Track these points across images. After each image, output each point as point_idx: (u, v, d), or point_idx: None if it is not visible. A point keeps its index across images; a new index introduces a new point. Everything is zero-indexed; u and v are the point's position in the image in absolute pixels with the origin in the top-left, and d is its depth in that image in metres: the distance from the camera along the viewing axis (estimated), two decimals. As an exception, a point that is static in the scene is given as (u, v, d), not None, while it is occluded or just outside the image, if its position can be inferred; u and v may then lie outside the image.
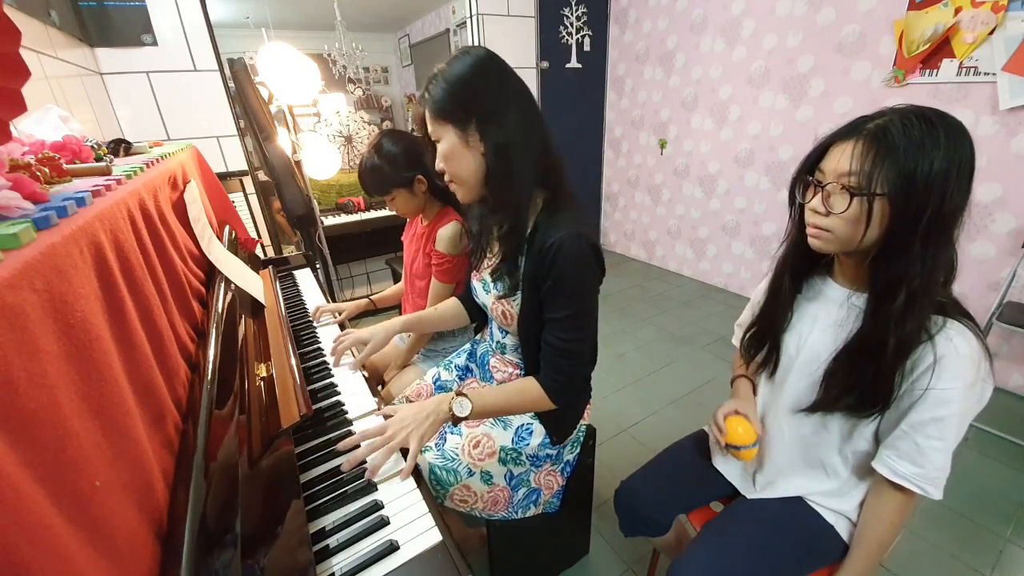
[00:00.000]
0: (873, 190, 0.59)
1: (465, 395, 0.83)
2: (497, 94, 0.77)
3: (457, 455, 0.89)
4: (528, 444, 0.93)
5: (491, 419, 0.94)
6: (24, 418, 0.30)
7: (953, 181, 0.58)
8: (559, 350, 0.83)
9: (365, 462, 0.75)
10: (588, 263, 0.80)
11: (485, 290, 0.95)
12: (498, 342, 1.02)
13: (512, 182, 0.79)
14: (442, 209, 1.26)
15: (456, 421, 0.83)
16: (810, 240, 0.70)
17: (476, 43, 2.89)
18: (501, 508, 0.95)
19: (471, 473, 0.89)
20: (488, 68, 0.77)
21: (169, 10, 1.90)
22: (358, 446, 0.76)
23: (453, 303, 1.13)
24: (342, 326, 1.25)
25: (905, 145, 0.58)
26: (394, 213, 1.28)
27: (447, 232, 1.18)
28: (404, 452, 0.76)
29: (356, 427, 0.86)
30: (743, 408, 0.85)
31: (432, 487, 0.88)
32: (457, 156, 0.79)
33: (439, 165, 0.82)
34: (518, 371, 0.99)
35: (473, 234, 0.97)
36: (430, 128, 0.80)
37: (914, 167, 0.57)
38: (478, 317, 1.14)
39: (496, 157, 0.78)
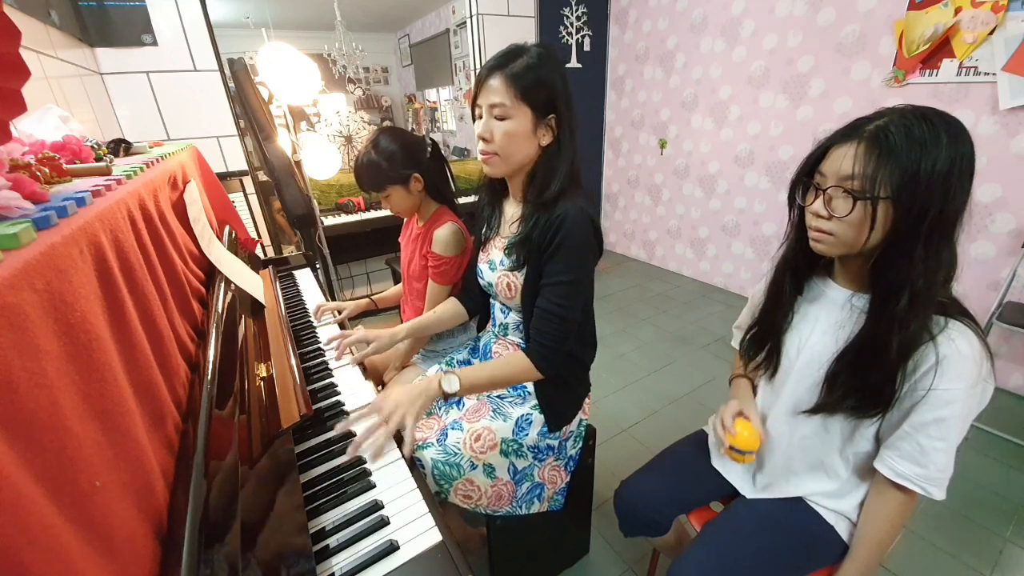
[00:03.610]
0: (876, 193, 0.59)
1: (453, 372, 0.86)
2: (570, 97, 0.84)
3: (459, 450, 0.90)
4: (528, 434, 0.94)
5: (491, 413, 0.94)
6: (24, 418, 0.30)
7: (955, 180, 0.58)
8: (550, 313, 0.86)
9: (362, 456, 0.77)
10: (588, 235, 0.85)
11: (491, 268, 0.98)
12: (500, 324, 1.04)
13: (560, 177, 0.86)
14: (438, 209, 1.25)
15: (446, 397, 0.85)
16: (812, 244, 0.69)
17: (476, 44, 2.89)
18: (505, 503, 0.95)
19: (474, 467, 0.90)
20: (564, 74, 0.84)
21: (169, 10, 1.90)
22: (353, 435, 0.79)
23: (451, 304, 1.14)
24: (342, 325, 1.25)
25: (906, 146, 0.57)
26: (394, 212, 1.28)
27: (444, 233, 1.18)
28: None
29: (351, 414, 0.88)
30: (747, 410, 0.85)
31: (436, 483, 0.89)
32: (521, 139, 0.83)
33: (488, 140, 0.84)
34: (520, 351, 0.99)
35: (484, 210, 1.02)
36: (501, 100, 0.81)
37: (916, 168, 0.57)
38: (479, 312, 1.15)
39: (559, 154, 0.86)
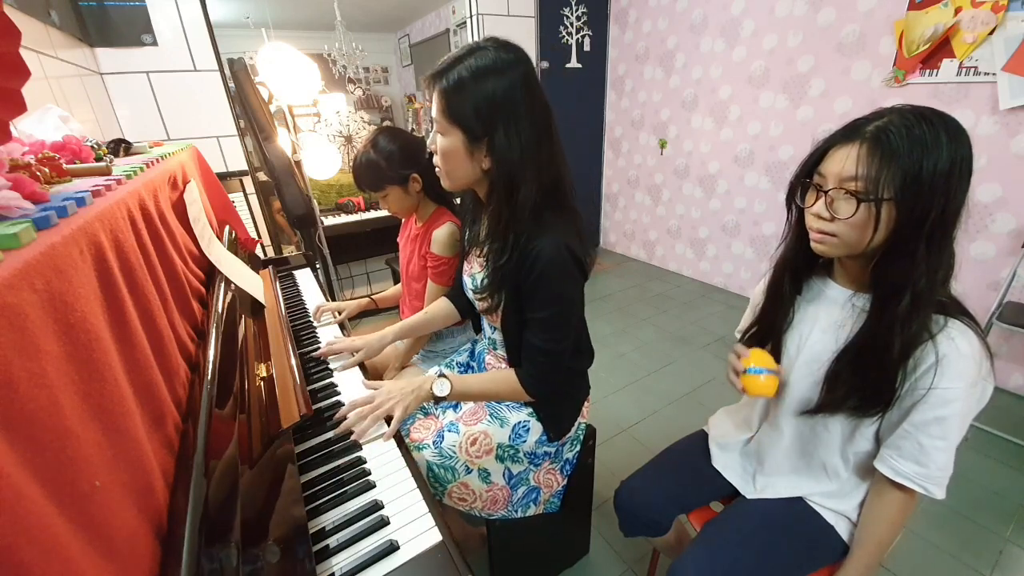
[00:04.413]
0: (880, 195, 0.59)
1: (447, 377, 0.88)
2: (521, 117, 0.74)
3: (455, 453, 0.89)
4: (525, 441, 0.93)
5: (488, 417, 0.94)
6: (24, 418, 0.30)
7: (956, 180, 0.58)
8: (537, 349, 0.86)
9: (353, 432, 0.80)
10: (567, 270, 0.80)
11: (473, 287, 0.96)
12: (490, 338, 1.03)
13: (513, 202, 0.78)
14: (437, 210, 1.25)
15: (437, 400, 0.87)
16: (813, 245, 0.69)
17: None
18: (500, 507, 0.95)
19: (468, 471, 0.89)
20: (520, 88, 0.73)
21: (169, 10, 1.90)
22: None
23: (442, 303, 1.14)
24: (342, 326, 1.25)
25: (908, 147, 0.57)
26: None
27: (442, 234, 1.18)
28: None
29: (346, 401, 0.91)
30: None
31: (430, 484, 0.89)
32: (456, 159, 0.79)
33: (434, 153, 0.82)
34: (512, 371, 0.99)
35: (466, 216, 1.00)
36: (436, 115, 0.77)
37: (919, 168, 0.57)
38: (472, 311, 1.14)
39: (502, 179, 0.77)
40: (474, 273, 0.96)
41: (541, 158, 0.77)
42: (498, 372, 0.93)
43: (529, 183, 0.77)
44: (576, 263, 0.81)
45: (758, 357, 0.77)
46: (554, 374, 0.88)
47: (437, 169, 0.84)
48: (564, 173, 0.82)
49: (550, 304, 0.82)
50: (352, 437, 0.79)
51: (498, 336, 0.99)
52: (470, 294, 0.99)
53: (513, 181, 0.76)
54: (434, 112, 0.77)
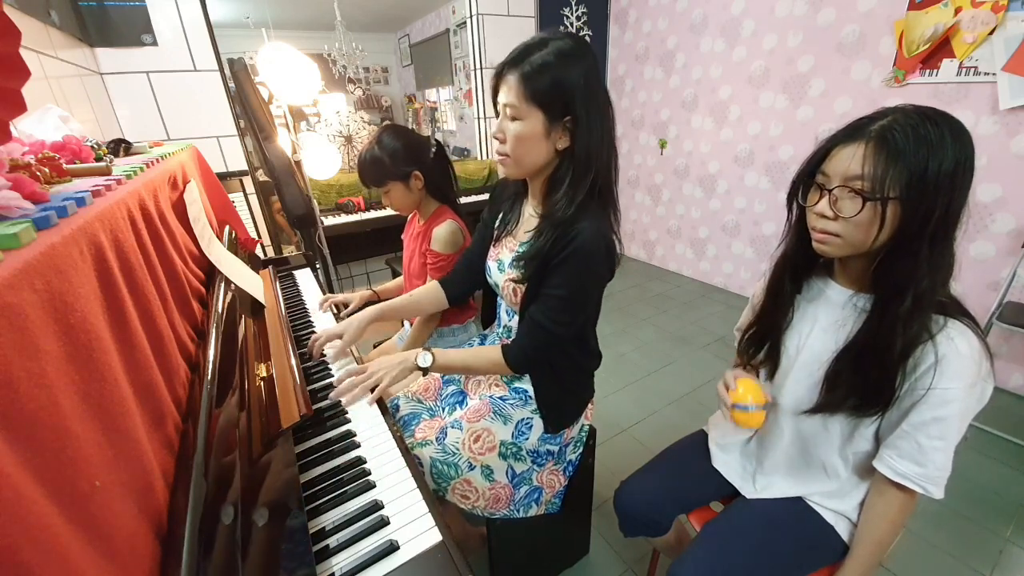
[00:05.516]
0: (886, 194, 0.59)
1: (430, 350, 0.91)
2: (596, 100, 0.78)
3: (458, 449, 0.90)
4: (528, 439, 0.94)
5: (491, 414, 0.94)
6: (24, 418, 0.30)
7: (959, 179, 0.58)
8: (538, 325, 0.85)
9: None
10: (599, 258, 0.82)
11: (500, 269, 0.96)
12: (505, 326, 1.03)
13: (579, 188, 0.81)
14: (439, 208, 1.26)
15: (425, 372, 0.92)
16: (816, 245, 0.69)
17: (476, 44, 2.89)
18: (503, 506, 0.95)
19: (472, 467, 0.90)
20: (595, 74, 0.78)
21: (169, 10, 1.90)
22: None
23: (430, 287, 1.12)
24: None
25: (914, 146, 0.57)
26: (394, 213, 1.29)
27: (443, 231, 1.19)
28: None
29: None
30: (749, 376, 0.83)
31: (434, 480, 0.90)
32: (532, 143, 0.80)
33: (501, 140, 0.82)
34: (499, 346, 0.99)
35: (503, 205, 1.00)
36: (511, 100, 0.78)
37: (924, 168, 0.57)
38: (461, 301, 1.15)
39: (576, 161, 0.80)
40: (501, 259, 0.96)
41: (607, 147, 0.82)
42: (481, 347, 0.95)
43: (604, 161, 0.82)
44: (608, 256, 0.83)
45: (747, 389, 0.78)
46: (545, 352, 0.88)
47: (500, 159, 0.84)
48: (613, 159, 0.85)
49: (569, 285, 0.82)
50: (343, 403, 0.86)
51: (515, 323, 0.99)
52: (494, 278, 0.98)
53: (590, 158, 0.80)
54: (506, 99, 0.78)
